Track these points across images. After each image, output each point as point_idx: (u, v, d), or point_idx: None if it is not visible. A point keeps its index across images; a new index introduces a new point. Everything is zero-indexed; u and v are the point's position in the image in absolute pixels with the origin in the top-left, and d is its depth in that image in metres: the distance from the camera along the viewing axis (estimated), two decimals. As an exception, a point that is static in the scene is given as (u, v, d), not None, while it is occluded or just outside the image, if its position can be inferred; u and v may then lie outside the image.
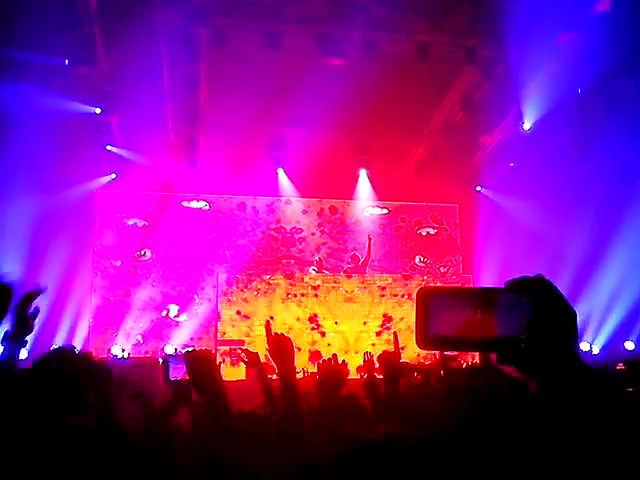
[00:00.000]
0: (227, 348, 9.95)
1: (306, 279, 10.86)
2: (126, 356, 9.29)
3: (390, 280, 11.16)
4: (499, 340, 0.96)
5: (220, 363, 2.73)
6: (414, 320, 1.00)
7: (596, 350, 9.87)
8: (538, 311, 0.95)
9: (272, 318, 10.37)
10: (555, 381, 0.94)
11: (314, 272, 11.02)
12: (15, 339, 2.18)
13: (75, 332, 9.54)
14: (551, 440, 0.94)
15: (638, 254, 9.08)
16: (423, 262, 11.49)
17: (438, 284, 11.20)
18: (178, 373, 2.87)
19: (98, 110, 8.75)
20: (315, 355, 9.96)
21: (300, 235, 11.15)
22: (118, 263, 10.31)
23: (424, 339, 0.99)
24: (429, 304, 1.00)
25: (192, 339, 10.15)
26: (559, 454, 0.93)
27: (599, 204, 9.45)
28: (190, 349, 9.68)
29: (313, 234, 11.21)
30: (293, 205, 11.18)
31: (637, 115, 8.15)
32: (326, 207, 11.34)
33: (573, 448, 0.92)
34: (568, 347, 0.95)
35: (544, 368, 0.95)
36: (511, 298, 0.97)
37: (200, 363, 2.38)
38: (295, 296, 10.71)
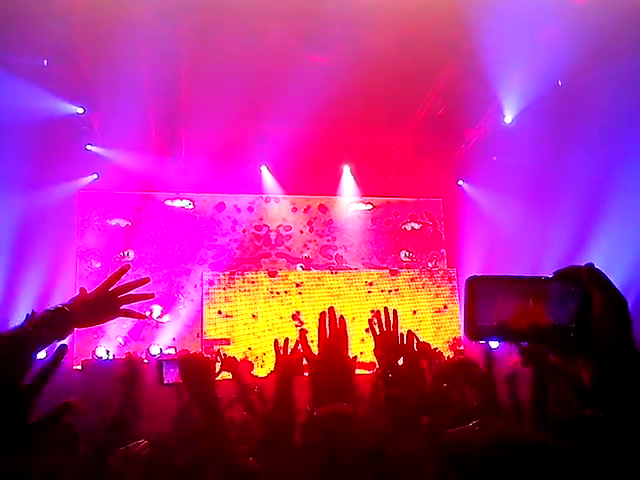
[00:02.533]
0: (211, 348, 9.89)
1: (290, 276, 10.82)
2: (111, 357, 9.22)
3: (376, 276, 11.16)
4: (550, 330, 0.95)
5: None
6: (462, 309, 0.98)
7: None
8: (589, 300, 0.94)
9: (254, 316, 10.31)
10: (610, 369, 0.92)
11: (301, 269, 10.99)
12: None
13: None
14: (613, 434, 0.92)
15: (620, 245, 9.15)
16: (408, 257, 11.51)
17: (425, 280, 11.23)
18: (172, 377, 2.85)
19: (81, 110, 8.66)
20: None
21: (287, 233, 11.11)
22: (98, 265, 10.19)
23: (472, 329, 0.97)
24: (478, 293, 0.97)
25: (174, 339, 10.05)
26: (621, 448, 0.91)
27: (582, 196, 9.51)
28: (171, 351, 9.55)
29: (302, 232, 11.17)
30: (278, 203, 11.14)
31: (619, 107, 8.20)
32: (312, 204, 11.30)
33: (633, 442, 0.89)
34: (623, 335, 0.93)
35: (598, 356, 0.93)
36: (561, 287, 0.96)
37: (195, 367, 2.36)
38: (278, 293, 10.66)
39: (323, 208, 11.31)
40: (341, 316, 2.11)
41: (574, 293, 0.95)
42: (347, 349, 2.10)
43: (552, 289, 0.96)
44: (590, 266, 0.98)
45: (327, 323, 2.06)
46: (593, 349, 0.93)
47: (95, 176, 10.13)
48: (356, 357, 2.48)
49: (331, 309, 2.07)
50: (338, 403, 2.01)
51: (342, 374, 2.07)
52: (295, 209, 11.19)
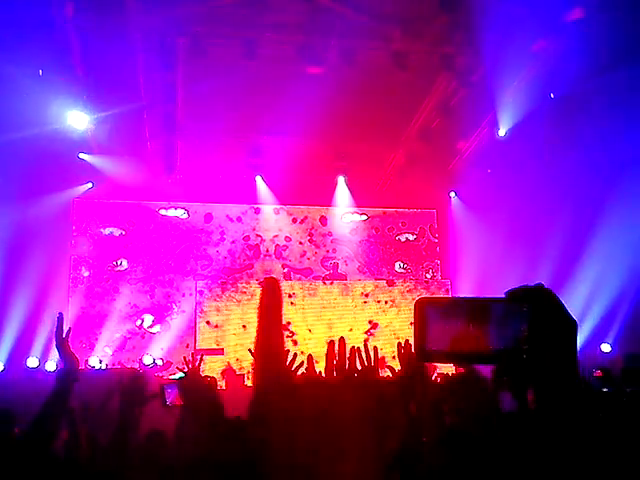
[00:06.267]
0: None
1: (283, 286, 10.76)
2: (104, 367, 9.17)
3: (372, 287, 11.14)
4: (496, 352, 0.93)
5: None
6: (413, 331, 0.98)
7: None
8: (538, 321, 0.91)
9: (244, 327, 10.26)
10: (553, 393, 0.91)
11: (296, 280, 10.95)
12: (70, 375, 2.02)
13: (51, 344, 9.38)
14: (548, 453, 0.92)
15: (614, 258, 9.20)
16: (403, 268, 11.50)
17: (421, 291, 11.22)
18: (172, 398, 2.87)
19: (81, 124, 8.61)
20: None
21: (284, 243, 11.07)
22: (86, 274, 10.13)
23: (421, 352, 0.97)
24: (426, 316, 0.97)
25: (162, 349, 9.96)
26: (556, 467, 0.91)
27: (574, 208, 9.56)
28: (160, 362, 9.43)
29: (301, 243, 11.13)
30: (277, 214, 11.10)
31: (611, 119, 8.27)
32: (309, 215, 11.26)
33: (570, 461, 0.90)
34: (568, 358, 0.92)
35: (542, 380, 0.92)
36: (511, 308, 0.94)
37: (197, 390, 2.35)
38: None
39: (323, 219, 11.28)
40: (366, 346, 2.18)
41: (525, 314, 0.92)
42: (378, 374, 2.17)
43: (501, 310, 0.94)
44: (540, 286, 0.95)
45: (337, 351, 2.10)
46: (539, 372, 0.92)
47: (90, 185, 10.11)
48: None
49: (341, 339, 2.13)
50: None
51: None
52: (294, 220, 11.17)
